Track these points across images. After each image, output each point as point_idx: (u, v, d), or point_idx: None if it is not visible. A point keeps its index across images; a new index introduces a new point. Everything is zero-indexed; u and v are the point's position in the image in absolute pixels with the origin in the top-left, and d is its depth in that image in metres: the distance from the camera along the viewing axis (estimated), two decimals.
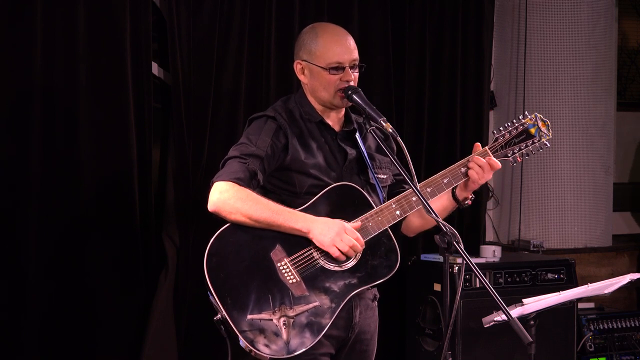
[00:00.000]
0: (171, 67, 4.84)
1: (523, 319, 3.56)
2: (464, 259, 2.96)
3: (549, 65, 5.86)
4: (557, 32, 5.84)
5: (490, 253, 5.15)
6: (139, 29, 4.74)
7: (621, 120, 6.41)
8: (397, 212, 3.18)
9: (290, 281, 3.08)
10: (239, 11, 4.99)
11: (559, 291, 3.77)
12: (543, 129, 3.28)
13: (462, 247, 2.96)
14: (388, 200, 3.23)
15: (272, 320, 3.04)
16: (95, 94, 4.66)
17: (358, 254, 3.14)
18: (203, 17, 4.91)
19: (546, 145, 3.28)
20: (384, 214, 3.16)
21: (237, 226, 3.11)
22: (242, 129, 3.34)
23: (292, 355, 3.02)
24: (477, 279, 4.84)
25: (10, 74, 4.49)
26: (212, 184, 3.15)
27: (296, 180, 3.20)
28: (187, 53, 4.85)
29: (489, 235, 6.02)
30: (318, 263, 3.11)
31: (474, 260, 3.09)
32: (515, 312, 3.56)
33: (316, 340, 3.06)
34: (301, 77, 3.33)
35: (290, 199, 3.18)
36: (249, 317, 3.03)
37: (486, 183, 3.42)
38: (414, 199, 3.17)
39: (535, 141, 3.28)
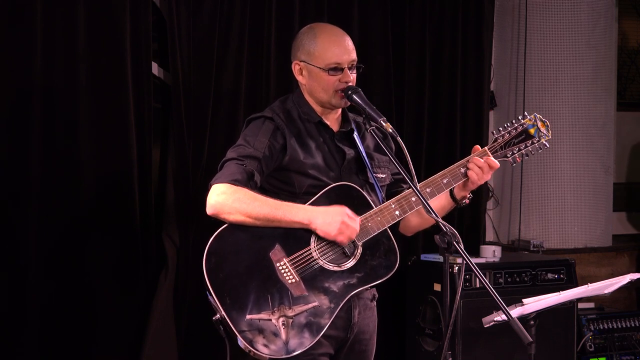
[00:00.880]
0: (171, 67, 4.84)
1: (523, 319, 3.56)
2: (464, 259, 2.96)
3: (549, 65, 5.85)
4: (557, 32, 5.84)
5: (490, 253, 5.15)
6: (139, 29, 4.74)
7: (621, 120, 6.41)
8: (397, 213, 3.18)
9: (290, 281, 3.08)
10: (239, 11, 4.99)
11: (559, 291, 3.77)
12: (542, 129, 3.28)
13: (462, 247, 2.96)
14: (387, 200, 3.23)
15: (271, 320, 3.04)
16: (95, 94, 4.66)
17: (358, 254, 3.14)
18: (203, 17, 4.91)
19: (545, 145, 3.29)
20: (383, 214, 3.16)
21: (236, 226, 3.10)
22: (242, 129, 3.34)
23: (291, 355, 3.02)
24: (477, 279, 4.84)
25: (10, 73, 4.49)
26: (210, 187, 3.15)
27: (295, 181, 3.20)
28: (187, 53, 4.85)
29: (489, 235, 6.02)
30: (317, 263, 3.11)
31: (474, 260, 3.09)
32: (515, 312, 3.55)
33: (315, 341, 3.06)
34: (299, 78, 3.33)
35: (289, 199, 3.18)
36: (248, 317, 3.03)
37: (486, 183, 3.42)
38: (413, 199, 3.17)
39: (535, 142, 3.28)
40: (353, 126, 3.33)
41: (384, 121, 3.15)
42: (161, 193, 5.00)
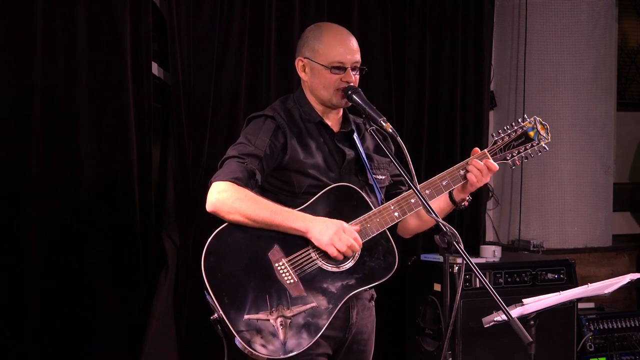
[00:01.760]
0: (171, 67, 4.84)
1: (523, 319, 3.56)
2: (464, 259, 2.96)
3: (549, 65, 5.86)
4: (557, 32, 5.84)
5: (490, 253, 5.15)
6: (139, 29, 4.74)
7: (621, 120, 6.41)
8: (396, 214, 3.18)
9: (288, 281, 3.08)
10: (239, 11, 4.99)
11: (559, 291, 3.77)
12: (542, 132, 3.28)
13: (462, 247, 2.96)
14: (386, 201, 3.23)
15: (269, 320, 3.03)
16: (95, 94, 4.66)
17: (356, 255, 3.14)
18: (203, 17, 4.91)
19: (545, 148, 3.29)
20: (382, 216, 3.16)
21: (235, 226, 3.10)
22: (242, 129, 3.34)
23: (288, 355, 3.02)
24: (477, 279, 4.84)
25: (10, 73, 4.49)
26: (211, 184, 3.14)
27: (295, 180, 3.20)
28: (187, 53, 4.86)
29: (489, 235, 6.02)
30: (316, 264, 3.11)
31: (474, 260, 3.09)
32: (515, 312, 3.56)
33: (313, 341, 3.05)
34: (302, 75, 3.33)
35: (288, 199, 3.18)
36: (246, 317, 3.03)
37: (485, 184, 3.42)
38: (412, 200, 3.17)
39: (534, 144, 3.28)
40: (353, 127, 3.33)
41: (384, 121, 3.15)
42: (161, 193, 5.00)
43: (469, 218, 5.72)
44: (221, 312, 3.01)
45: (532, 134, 3.28)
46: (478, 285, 4.87)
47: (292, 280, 3.08)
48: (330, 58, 3.24)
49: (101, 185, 4.70)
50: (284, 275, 3.08)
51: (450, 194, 3.29)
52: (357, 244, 3.09)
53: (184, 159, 4.86)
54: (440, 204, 3.30)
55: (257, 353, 3.00)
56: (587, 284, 3.83)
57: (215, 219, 3.16)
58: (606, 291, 3.80)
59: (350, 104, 3.26)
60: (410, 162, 3.11)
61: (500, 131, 3.29)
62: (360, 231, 3.13)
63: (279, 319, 3.03)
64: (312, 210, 3.14)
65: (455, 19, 5.71)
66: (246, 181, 3.12)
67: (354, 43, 3.28)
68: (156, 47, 4.97)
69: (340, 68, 3.24)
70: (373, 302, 3.36)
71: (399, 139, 3.14)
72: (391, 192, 3.36)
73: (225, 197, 3.09)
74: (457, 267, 4.09)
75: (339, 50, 3.24)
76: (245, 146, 3.18)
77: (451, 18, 5.71)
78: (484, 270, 4.96)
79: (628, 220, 6.55)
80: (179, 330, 4.88)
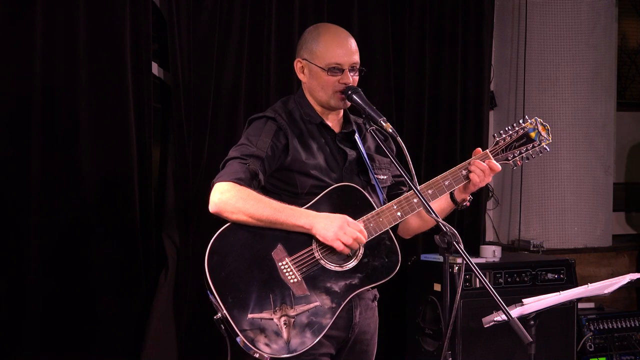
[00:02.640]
0: (171, 67, 4.84)
1: (523, 319, 3.56)
2: (464, 259, 2.96)
3: (549, 65, 5.86)
4: (557, 32, 5.84)
5: (490, 253, 5.15)
6: (139, 29, 4.74)
7: (621, 120, 6.41)
8: (399, 214, 3.18)
9: (291, 281, 3.08)
10: (239, 11, 4.99)
11: (559, 291, 3.77)
12: (543, 133, 3.29)
13: (462, 247, 2.96)
14: (388, 201, 3.23)
15: (272, 319, 3.03)
16: (95, 94, 4.66)
17: (359, 254, 3.14)
18: (203, 17, 4.91)
19: (546, 149, 3.29)
20: (385, 215, 3.16)
21: (238, 225, 3.10)
22: (242, 129, 3.34)
23: (292, 354, 3.02)
24: (477, 279, 4.84)
25: (10, 74, 4.49)
26: (213, 185, 3.14)
27: (297, 181, 3.20)
28: (187, 53, 4.86)
29: (489, 235, 6.02)
30: (319, 263, 3.11)
31: (474, 260, 3.09)
32: (515, 312, 3.56)
33: (316, 340, 3.05)
34: (300, 76, 3.33)
35: (291, 200, 3.18)
36: (250, 316, 3.03)
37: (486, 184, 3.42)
38: (415, 200, 3.17)
39: (536, 145, 3.28)
40: (354, 127, 3.33)
41: (384, 121, 3.15)
42: (161, 193, 5.00)
43: (469, 218, 5.73)
44: (225, 311, 3.01)
45: (533, 134, 3.28)
46: (478, 285, 4.87)
47: (295, 280, 3.08)
48: (327, 60, 3.24)
49: (101, 185, 4.70)
50: (287, 274, 3.08)
51: (452, 194, 3.29)
52: (363, 235, 3.09)
53: (184, 159, 4.86)
54: (441, 204, 3.30)
55: (260, 352, 3.00)
56: (587, 284, 3.82)
57: (216, 219, 3.15)
58: (606, 291, 3.80)
59: (350, 104, 3.26)
60: (410, 162, 3.11)
61: (501, 132, 3.29)
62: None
63: (283, 318, 3.03)
64: (315, 210, 3.14)
65: (455, 19, 5.72)
66: (248, 181, 3.12)
67: (352, 44, 3.28)
68: (156, 47, 4.98)
69: (337, 70, 3.23)
70: (376, 302, 3.36)
71: (399, 139, 3.14)
72: (392, 192, 3.36)
73: (228, 197, 3.09)
74: (457, 267, 4.08)
75: (336, 52, 3.24)
76: (247, 147, 3.18)
77: (451, 18, 5.71)
78: (484, 270, 4.97)
79: (628, 220, 6.55)
80: (179, 330, 4.88)
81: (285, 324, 3.03)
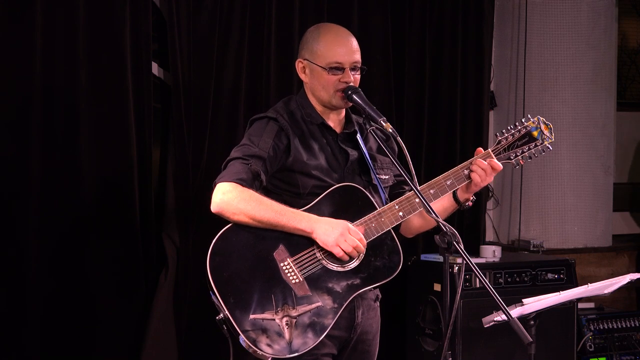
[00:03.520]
0: (171, 67, 4.84)
1: (523, 319, 3.56)
2: (464, 259, 2.96)
3: (549, 65, 5.86)
4: (557, 32, 5.84)
5: (490, 253, 5.15)
6: (139, 29, 4.74)
7: (621, 120, 6.41)
8: (400, 214, 3.18)
9: (293, 281, 3.08)
10: (239, 11, 4.99)
11: (559, 291, 3.77)
12: (545, 132, 3.28)
13: (462, 247, 2.96)
14: (390, 201, 3.23)
15: (274, 320, 3.03)
16: (95, 94, 4.66)
17: (361, 255, 3.14)
18: (203, 17, 4.91)
19: (548, 148, 3.29)
20: (387, 215, 3.16)
21: (240, 226, 3.10)
22: (242, 129, 3.34)
23: (294, 355, 3.02)
24: (477, 279, 4.84)
25: (10, 74, 4.49)
26: (215, 185, 3.14)
27: (299, 182, 3.20)
28: (187, 53, 4.85)
29: (489, 235, 6.02)
30: (321, 263, 3.11)
31: (474, 260, 3.09)
32: (515, 312, 3.56)
33: (319, 341, 3.06)
34: (302, 76, 3.33)
35: (292, 200, 3.18)
36: (252, 316, 3.03)
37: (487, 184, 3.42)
38: (416, 200, 3.17)
39: (538, 144, 3.28)
40: (356, 128, 3.33)
41: (384, 121, 3.15)
42: (161, 193, 5.00)
43: (469, 218, 5.73)
44: (227, 311, 3.01)
45: (535, 133, 3.28)
46: (478, 285, 4.87)
47: (297, 280, 3.08)
48: (328, 59, 3.24)
49: (101, 185, 4.70)
50: (289, 275, 3.08)
51: (455, 194, 3.29)
52: (362, 244, 3.09)
53: (184, 159, 4.86)
54: (444, 203, 3.31)
55: (262, 352, 3.00)
56: (587, 284, 3.82)
57: (216, 219, 3.15)
58: (606, 291, 3.80)
59: (351, 104, 3.26)
60: (410, 162, 3.11)
61: (504, 131, 3.29)
62: (365, 231, 3.13)
63: (285, 319, 3.03)
64: (316, 210, 3.14)
65: (455, 19, 5.71)
66: (251, 182, 3.12)
67: (353, 43, 3.28)
68: (156, 47, 4.97)
69: (338, 69, 3.23)
70: (378, 303, 3.36)
71: (399, 138, 3.14)
72: (394, 192, 3.36)
73: (230, 198, 3.09)
74: (457, 267, 4.09)
75: (336, 51, 3.24)
76: (249, 147, 3.18)
77: (451, 18, 5.71)
78: (484, 270, 4.97)
79: (628, 220, 6.55)
80: (179, 330, 4.88)
81: (287, 324, 3.03)
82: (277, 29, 5.10)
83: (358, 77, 3.28)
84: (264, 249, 3.09)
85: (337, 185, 3.19)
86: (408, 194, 3.21)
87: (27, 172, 4.51)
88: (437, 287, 4.93)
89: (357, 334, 3.26)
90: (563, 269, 5.18)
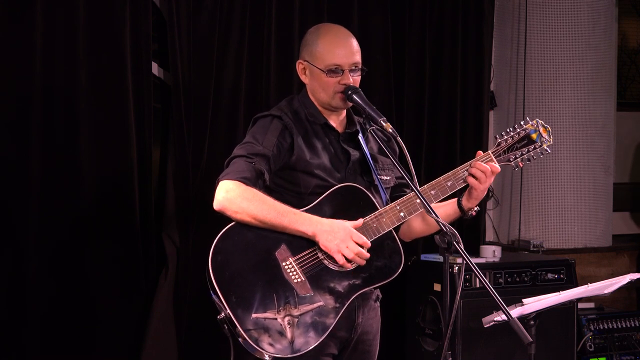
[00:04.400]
0: (171, 67, 4.84)
1: (523, 319, 3.55)
2: (464, 259, 2.97)
3: (549, 65, 5.86)
4: (557, 32, 5.84)
5: (490, 253, 5.15)
6: (139, 29, 4.74)
7: (621, 120, 6.41)
8: (402, 214, 3.18)
9: (295, 280, 3.07)
10: (239, 11, 4.99)
11: (559, 291, 3.77)
12: (544, 134, 3.29)
13: (462, 247, 2.96)
14: (391, 202, 3.23)
15: (276, 319, 3.03)
16: (95, 94, 4.66)
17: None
18: (203, 17, 4.91)
19: (547, 151, 3.30)
20: (388, 216, 3.16)
21: (242, 225, 3.10)
22: (242, 129, 3.35)
23: (296, 354, 3.02)
24: (477, 279, 4.84)
25: (10, 74, 4.49)
26: (218, 182, 3.13)
27: (301, 181, 3.19)
28: (187, 53, 4.86)
29: (489, 235, 6.02)
30: (322, 263, 3.11)
31: (474, 260, 3.09)
32: (515, 312, 3.55)
33: (320, 340, 3.06)
34: (302, 78, 3.33)
35: (294, 199, 3.18)
36: (254, 316, 3.02)
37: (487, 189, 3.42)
38: (417, 201, 3.17)
39: (537, 147, 3.29)
40: (358, 128, 3.33)
41: (384, 121, 3.15)
42: (161, 193, 5.00)
43: (471, 218, 5.71)
44: (229, 310, 3.00)
45: (534, 136, 3.28)
46: (478, 285, 4.87)
47: (299, 280, 3.08)
48: (327, 61, 3.23)
49: (101, 185, 4.70)
50: (291, 274, 3.08)
51: (459, 202, 3.29)
52: (365, 249, 3.09)
53: (184, 159, 4.86)
54: (447, 210, 3.31)
55: (264, 352, 3.00)
56: (587, 284, 3.82)
57: (217, 219, 3.15)
58: (606, 291, 3.80)
59: (351, 104, 3.26)
60: (410, 162, 3.11)
61: (503, 133, 3.30)
62: (365, 230, 3.13)
63: (287, 318, 3.03)
64: (318, 210, 3.14)
65: (455, 19, 5.71)
66: (254, 181, 3.12)
67: (352, 44, 3.27)
68: (156, 47, 4.98)
69: (337, 71, 3.23)
70: (378, 303, 3.36)
71: (399, 139, 3.14)
72: (395, 194, 3.35)
73: (233, 196, 3.08)
74: (457, 267, 4.09)
75: (335, 53, 3.23)
76: (253, 146, 3.17)
77: (451, 18, 5.71)
78: (484, 270, 4.97)
79: (628, 220, 6.56)
80: (179, 330, 4.88)
81: (289, 323, 3.03)
82: (277, 29, 5.10)
83: (358, 78, 3.27)
84: (266, 248, 3.09)
85: (339, 186, 3.18)
86: (409, 194, 3.21)
87: (27, 172, 4.51)
88: (437, 287, 4.93)
89: (358, 334, 3.26)
90: (563, 269, 5.18)
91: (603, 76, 5.95)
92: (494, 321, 3.58)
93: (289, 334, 3.03)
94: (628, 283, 3.83)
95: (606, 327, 5.49)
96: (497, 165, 3.24)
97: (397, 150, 3.33)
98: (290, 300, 3.05)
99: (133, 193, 4.72)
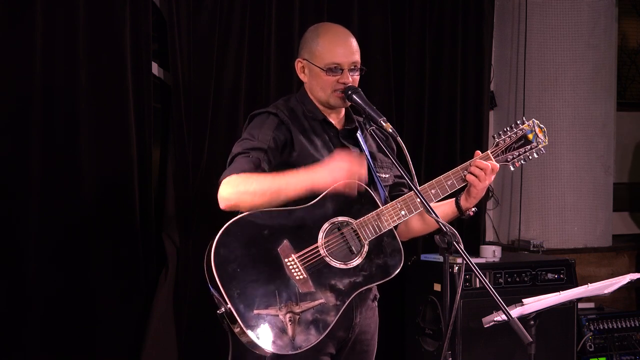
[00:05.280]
0: (171, 67, 4.84)
1: (523, 319, 3.56)
2: (464, 259, 2.97)
3: (549, 65, 5.86)
4: (557, 32, 5.85)
5: (490, 253, 5.15)
6: (139, 29, 4.74)
7: (621, 120, 6.41)
8: (402, 212, 3.18)
9: (297, 277, 3.07)
10: (239, 11, 4.99)
11: (559, 291, 3.77)
12: (540, 135, 3.31)
13: (462, 247, 2.96)
14: (389, 201, 3.23)
15: (278, 316, 3.03)
16: (95, 94, 4.66)
17: (364, 252, 3.14)
18: (203, 17, 4.91)
19: (542, 151, 3.31)
20: (389, 214, 3.17)
21: (244, 221, 3.09)
22: (242, 129, 3.34)
23: (297, 351, 3.02)
24: (477, 279, 4.84)
25: (10, 74, 4.49)
26: (220, 183, 3.14)
27: None
28: (187, 53, 4.86)
29: (489, 235, 6.02)
30: (324, 260, 3.11)
31: (474, 260, 3.09)
32: (515, 312, 3.55)
33: (321, 337, 3.05)
34: (301, 76, 3.33)
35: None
36: (255, 312, 3.02)
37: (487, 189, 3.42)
38: (418, 200, 3.17)
39: (533, 147, 3.30)
40: (357, 125, 3.33)
41: (383, 121, 3.15)
42: (161, 193, 5.00)
43: (469, 218, 5.72)
44: (230, 305, 2.99)
45: (530, 136, 3.30)
46: (478, 285, 4.87)
47: (301, 277, 3.08)
48: (326, 60, 3.24)
49: (101, 185, 4.70)
50: (293, 271, 3.08)
51: (457, 202, 3.29)
52: (354, 163, 3.09)
53: (184, 159, 4.86)
54: (445, 209, 3.31)
55: (265, 348, 3.00)
56: (587, 284, 3.82)
57: (217, 219, 3.14)
58: (606, 291, 3.80)
59: (350, 103, 3.26)
60: (410, 162, 3.11)
61: (500, 133, 3.31)
62: (366, 228, 3.14)
63: (288, 315, 3.03)
64: (320, 207, 3.14)
65: (455, 19, 5.72)
66: (253, 172, 3.12)
67: (352, 43, 3.28)
68: (156, 47, 4.98)
69: (336, 69, 3.23)
70: (376, 302, 3.37)
71: (399, 138, 3.14)
72: (393, 192, 3.36)
73: (231, 188, 3.09)
74: (457, 267, 4.09)
75: (334, 52, 3.24)
76: (249, 141, 3.19)
77: (451, 18, 5.71)
78: (484, 270, 4.97)
79: (628, 220, 6.56)
80: (179, 330, 4.88)
81: (290, 320, 3.03)
82: (277, 29, 5.10)
83: (357, 77, 3.28)
84: (268, 244, 3.09)
85: (341, 182, 3.19)
86: (410, 193, 3.21)
87: (27, 172, 4.51)
88: (437, 287, 4.93)
89: (355, 333, 3.26)
90: (563, 269, 5.18)
91: (603, 76, 5.95)
92: (494, 321, 3.58)
93: (290, 331, 3.02)
94: (628, 283, 3.83)
95: (606, 327, 5.49)
96: (496, 164, 3.25)
97: (395, 149, 3.34)
98: (292, 297, 3.05)
99: (133, 193, 4.72)
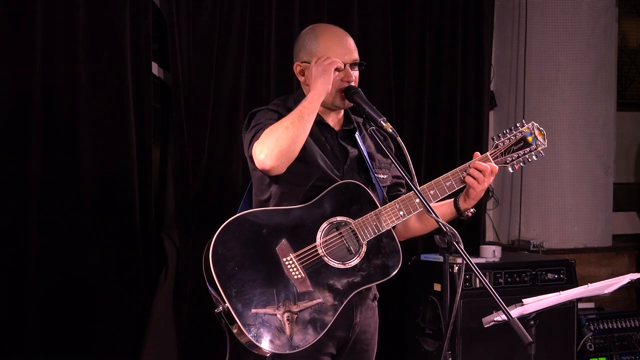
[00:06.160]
0: (171, 67, 4.84)
1: (523, 319, 3.56)
2: (464, 259, 2.97)
3: (549, 65, 5.86)
4: (557, 32, 5.85)
5: (490, 253, 5.15)
6: (139, 29, 4.74)
7: (621, 120, 6.41)
8: (401, 213, 3.18)
9: (295, 277, 3.08)
10: (239, 11, 4.99)
11: (559, 291, 3.77)
12: (539, 138, 3.32)
13: (462, 247, 2.96)
14: (388, 202, 3.23)
15: (276, 315, 3.03)
16: (95, 94, 4.66)
17: (362, 252, 3.14)
18: (203, 17, 4.91)
19: (541, 154, 3.32)
20: (387, 214, 3.17)
21: (243, 219, 3.09)
22: (242, 128, 3.34)
23: (294, 351, 3.03)
24: (477, 279, 4.84)
25: (10, 74, 4.49)
26: (252, 153, 3.13)
27: (303, 171, 3.19)
28: (187, 53, 4.86)
29: (489, 235, 6.02)
30: (322, 260, 3.11)
31: (474, 260, 3.09)
32: (515, 312, 3.55)
33: (319, 337, 3.06)
34: (301, 79, 3.34)
35: (292, 190, 3.18)
36: (253, 311, 3.02)
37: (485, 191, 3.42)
38: (417, 200, 3.17)
39: (532, 150, 3.31)
40: (355, 126, 3.34)
41: (384, 121, 3.15)
42: (161, 193, 5.00)
43: (467, 219, 5.71)
44: (228, 304, 3.00)
45: (530, 139, 3.31)
46: (478, 285, 4.87)
47: (299, 276, 3.08)
48: None
49: (101, 185, 4.70)
50: (291, 270, 3.08)
51: (456, 203, 3.29)
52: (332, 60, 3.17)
53: (184, 159, 4.86)
54: (444, 210, 3.31)
55: (263, 348, 3.00)
56: (587, 284, 3.82)
57: (216, 219, 3.14)
58: (606, 291, 3.80)
59: (351, 104, 3.27)
60: (410, 162, 3.11)
61: (500, 135, 3.31)
62: (365, 228, 3.14)
63: (286, 314, 3.03)
64: (318, 206, 3.14)
65: (455, 19, 5.72)
66: None
67: (350, 41, 3.30)
68: (156, 47, 4.98)
69: (338, 68, 3.24)
70: (376, 302, 3.36)
71: (399, 139, 3.15)
72: (391, 193, 3.36)
73: (264, 140, 3.09)
74: (457, 267, 4.09)
75: (336, 51, 3.25)
76: (259, 125, 3.19)
77: (451, 18, 5.71)
78: (484, 270, 4.97)
79: (628, 220, 6.56)
80: (179, 330, 4.88)
81: (288, 319, 3.03)
82: (277, 29, 5.10)
83: (357, 73, 3.29)
84: (267, 243, 3.09)
85: (340, 182, 3.19)
86: (409, 193, 3.21)
87: (27, 172, 4.51)
88: (437, 287, 4.93)
89: (356, 333, 3.26)
90: (563, 269, 5.18)
91: (603, 76, 5.95)
92: (494, 321, 3.58)
93: (287, 330, 3.03)
94: (628, 283, 3.82)
95: (606, 327, 5.49)
96: (495, 166, 3.25)
97: (394, 149, 3.34)
98: (290, 297, 3.05)
99: (133, 193, 4.72)
